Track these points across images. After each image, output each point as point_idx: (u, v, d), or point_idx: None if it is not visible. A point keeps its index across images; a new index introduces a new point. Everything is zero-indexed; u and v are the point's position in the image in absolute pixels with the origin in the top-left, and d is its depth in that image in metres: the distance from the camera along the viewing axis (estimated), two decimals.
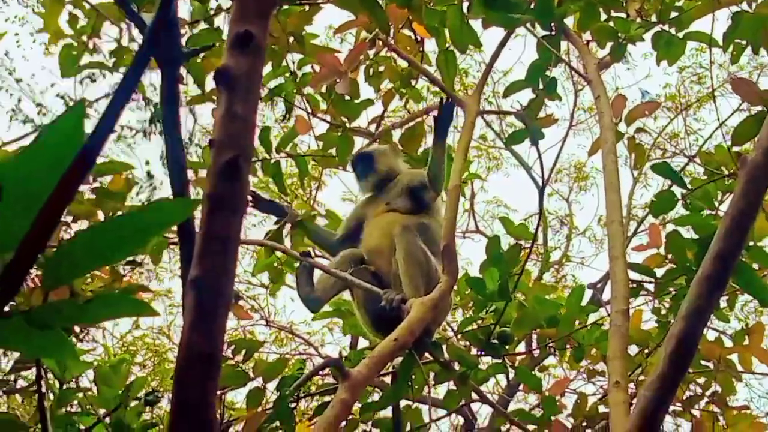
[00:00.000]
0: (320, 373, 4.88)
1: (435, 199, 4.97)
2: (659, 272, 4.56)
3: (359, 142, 5.50)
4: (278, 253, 5.17)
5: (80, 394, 4.37)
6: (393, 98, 5.47)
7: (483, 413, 8.53)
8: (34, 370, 4.01)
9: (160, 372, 10.78)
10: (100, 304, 1.28)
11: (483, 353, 4.83)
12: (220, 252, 1.46)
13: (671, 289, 4.58)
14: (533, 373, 5.15)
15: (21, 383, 4.86)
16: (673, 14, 4.74)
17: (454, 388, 4.85)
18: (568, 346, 4.86)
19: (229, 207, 1.48)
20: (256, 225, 11.02)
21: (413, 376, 4.70)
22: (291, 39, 4.46)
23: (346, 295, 5.05)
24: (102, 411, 4.37)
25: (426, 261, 4.61)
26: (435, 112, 4.87)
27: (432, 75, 5.03)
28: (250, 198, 5.00)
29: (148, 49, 1.07)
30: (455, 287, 4.69)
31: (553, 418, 4.82)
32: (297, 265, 4.98)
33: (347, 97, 4.87)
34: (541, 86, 4.97)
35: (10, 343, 1.25)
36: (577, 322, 4.79)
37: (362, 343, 8.15)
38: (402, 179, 5.05)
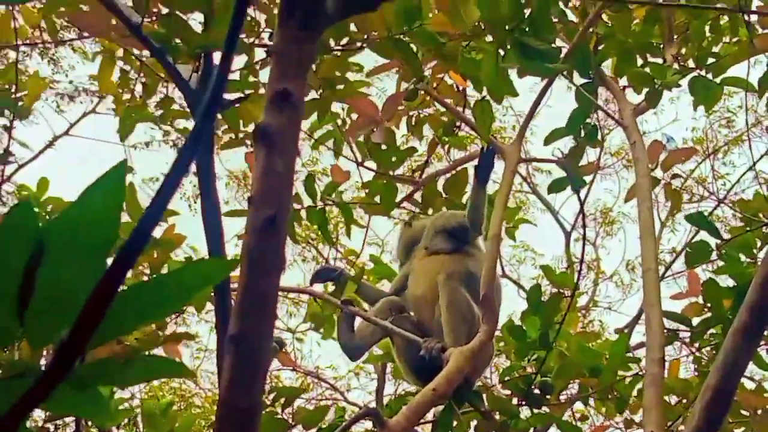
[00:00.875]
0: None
1: (476, 238, 4.98)
2: (696, 321, 4.50)
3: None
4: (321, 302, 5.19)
5: None
6: (436, 147, 5.48)
7: None
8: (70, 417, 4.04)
9: (187, 416, 10.74)
10: (140, 365, 1.30)
11: (524, 403, 4.79)
12: (259, 309, 1.48)
13: (709, 338, 4.52)
14: (572, 422, 5.09)
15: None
16: (710, 60, 4.73)
17: None
18: (609, 396, 4.82)
19: (267, 264, 1.50)
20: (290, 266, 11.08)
21: (454, 425, 4.68)
22: (323, 87, 4.47)
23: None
24: None
25: (469, 310, 4.60)
26: (476, 160, 4.88)
27: (473, 123, 5.03)
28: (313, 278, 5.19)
29: (204, 124, 1.08)
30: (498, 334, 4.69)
31: None
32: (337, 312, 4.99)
33: (384, 147, 4.87)
34: (582, 134, 4.95)
35: (50, 405, 1.26)
36: (619, 372, 4.74)
37: (388, 388, 8.08)
38: (435, 222, 5.06)
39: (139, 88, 4.66)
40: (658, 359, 3.53)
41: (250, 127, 4.54)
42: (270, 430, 4.58)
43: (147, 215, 1.05)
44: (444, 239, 4.96)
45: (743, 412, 4.70)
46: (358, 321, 4.92)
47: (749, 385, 5.03)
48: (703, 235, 4.50)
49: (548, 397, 4.77)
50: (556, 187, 5.05)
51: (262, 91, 4.18)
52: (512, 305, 13.26)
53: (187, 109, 4.81)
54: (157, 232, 4.42)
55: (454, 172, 5.54)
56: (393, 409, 4.94)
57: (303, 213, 4.99)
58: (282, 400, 4.64)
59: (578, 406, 5.57)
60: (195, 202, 11.79)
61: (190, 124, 5.02)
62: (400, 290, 5.05)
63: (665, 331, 3.96)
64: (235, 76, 4.06)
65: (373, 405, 9.92)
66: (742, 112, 11.78)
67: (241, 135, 4.69)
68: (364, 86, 4.69)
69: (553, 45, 4.12)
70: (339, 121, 4.95)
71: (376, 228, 12.52)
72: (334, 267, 5.24)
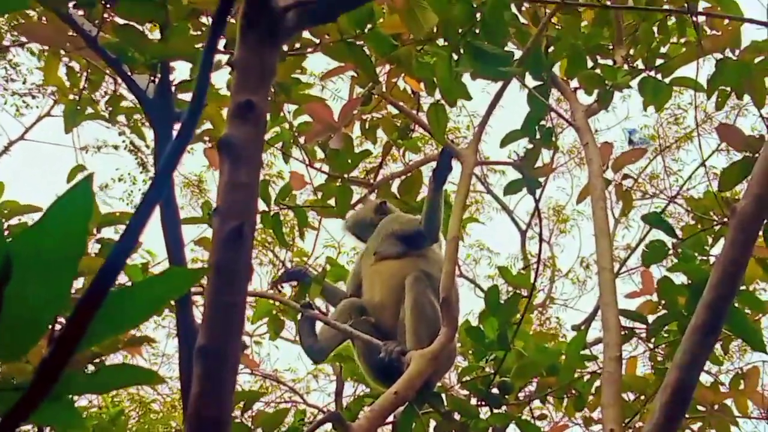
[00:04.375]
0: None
1: (431, 245, 4.99)
2: (652, 319, 4.56)
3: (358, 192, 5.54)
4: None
5: None
6: (391, 150, 5.49)
7: None
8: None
9: (146, 422, 10.68)
10: (108, 374, 1.30)
11: (483, 403, 4.82)
12: (227, 319, 1.49)
13: (664, 334, 4.57)
14: (531, 422, 5.13)
15: None
16: (659, 61, 4.80)
17: None
18: (567, 395, 4.87)
19: (235, 275, 1.51)
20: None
21: (414, 426, 4.70)
22: (277, 91, 4.46)
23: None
24: None
25: (433, 313, 4.59)
26: (433, 164, 4.89)
27: (428, 126, 5.04)
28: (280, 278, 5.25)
29: (169, 163, 1.09)
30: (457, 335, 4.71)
31: None
32: (298, 316, 4.99)
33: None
34: (537, 136, 4.98)
35: (32, 418, 1.26)
36: (576, 371, 4.79)
37: (347, 389, 8.09)
38: (387, 227, 5.07)
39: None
40: (615, 357, 3.57)
41: (207, 125, 4.54)
42: None
43: (119, 246, 1.06)
44: (395, 244, 4.97)
45: (699, 407, 4.76)
46: (319, 323, 4.92)
47: (706, 379, 5.10)
48: (658, 232, 4.56)
49: (507, 396, 4.81)
50: (511, 188, 5.09)
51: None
52: (469, 305, 13.37)
53: (137, 104, 4.80)
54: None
55: (408, 174, 5.56)
56: (353, 411, 4.96)
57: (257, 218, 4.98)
58: (241, 404, 4.63)
59: (537, 404, 5.62)
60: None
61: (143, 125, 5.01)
62: (355, 291, 5.07)
63: (622, 329, 4.01)
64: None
65: (332, 407, 9.92)
66: (692, 109, 12.03)
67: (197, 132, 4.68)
68: (312, 87, 4.70)
69: (505, 49, 4.16)
70: (286, 124, 4.95)
71: (331, 231, 12.54)
72: (301, 268, 5.25)
